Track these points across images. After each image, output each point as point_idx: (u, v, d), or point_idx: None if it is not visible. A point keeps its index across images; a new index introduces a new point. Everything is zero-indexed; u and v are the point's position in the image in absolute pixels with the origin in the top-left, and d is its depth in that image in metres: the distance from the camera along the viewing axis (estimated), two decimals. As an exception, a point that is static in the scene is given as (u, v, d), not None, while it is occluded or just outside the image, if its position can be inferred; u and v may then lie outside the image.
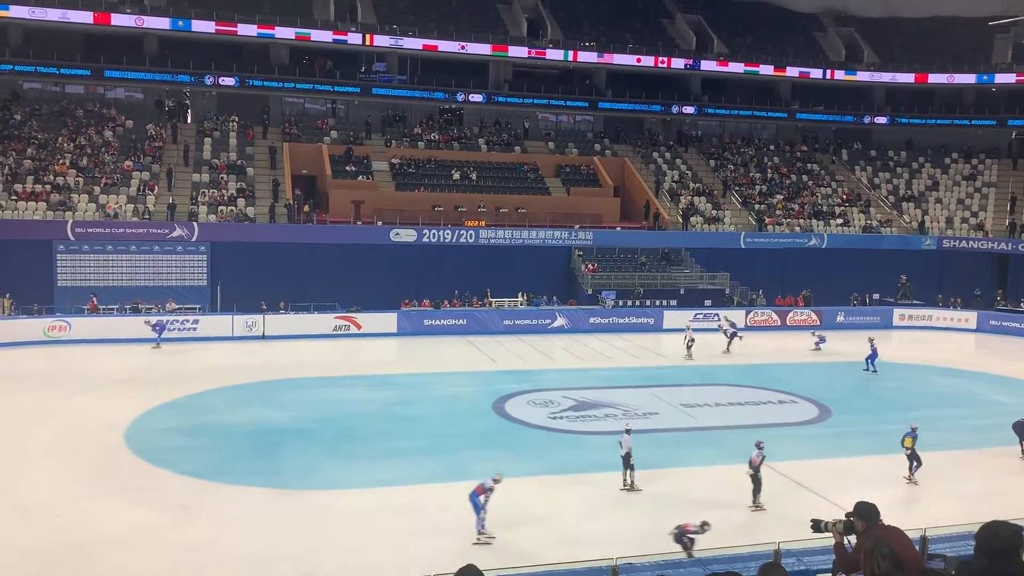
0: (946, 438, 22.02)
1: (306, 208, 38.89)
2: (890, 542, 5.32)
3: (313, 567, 13.73)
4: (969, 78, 53.38)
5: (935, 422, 23.72)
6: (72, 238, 34.50)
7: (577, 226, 41.85)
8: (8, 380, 27.01)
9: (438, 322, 36.12)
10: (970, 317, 40.50)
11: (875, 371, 30.11)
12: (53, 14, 41.83)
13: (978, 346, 37.90)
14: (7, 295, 32.74)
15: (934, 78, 53.86)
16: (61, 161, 38.77)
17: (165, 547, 14.28)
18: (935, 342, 37.60)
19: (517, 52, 49.52)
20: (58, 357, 29.75)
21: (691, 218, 44.34)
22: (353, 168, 42.91)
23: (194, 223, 36.31)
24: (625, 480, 17.76)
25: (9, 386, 25.71)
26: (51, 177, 37.61)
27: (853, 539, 6.24)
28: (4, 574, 13.19)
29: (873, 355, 30.33)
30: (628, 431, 18.28)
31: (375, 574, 13.75)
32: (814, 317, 39.93)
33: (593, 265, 40.11)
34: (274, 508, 16.22)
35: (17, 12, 41.38)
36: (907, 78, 54.29)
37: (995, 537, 4.60)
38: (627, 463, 17.70)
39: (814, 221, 46.19)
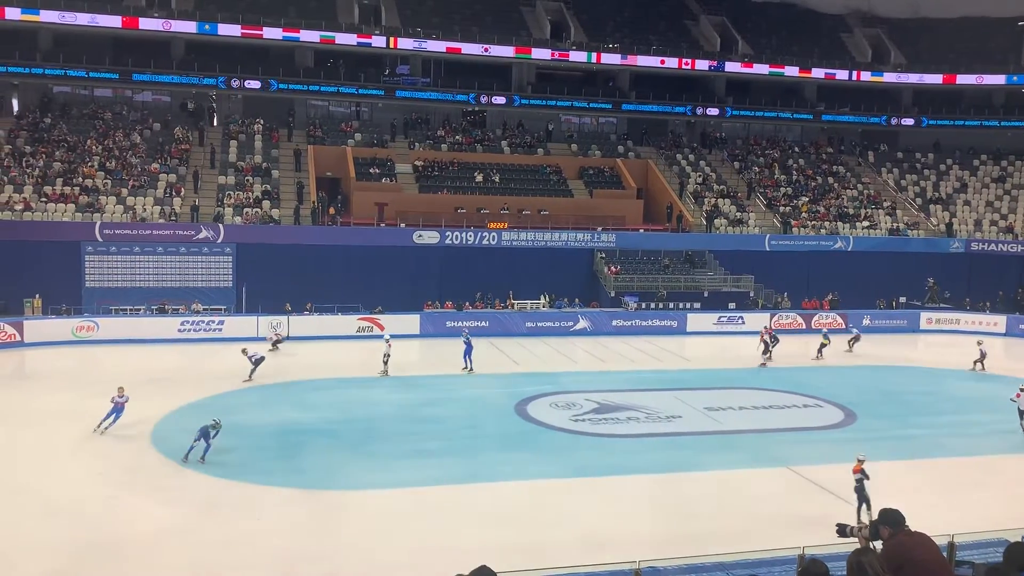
0: (974, 443, 21.74)
1: (331, 210, 39.13)
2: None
3: (337, 567, 13.80)
4: (998, 79, 52.74)
5: (963, 427, 23.47)
6: (100, 239, 34.94)
7: (600, 228, 41.77)
8: (37, 380, 27.44)
9: (460, 324, 36.18)
10: (999, 321, 39.97)
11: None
12: (82, 18, 42.48)
13: (1007, 350, 37.34)
14: (36, 295, 33.29)
15: (962, 79, 53.26)
16: (89, 163, 39.29)
17: (191, 546, 14.41)
18: (963, 346, 37.06)
19: (540, 54, 49.57)
20: (86, 357, 30.13)
21: (715, 220, 44.12)
22: (377, 170, 43.12)
23: (220, 225, 36.65)
24: None
25: (38, 385, 26.11)
26: (80, 179, 38.13)
27: (879, 544, 6.19)
28: (33, 571, 13.38)
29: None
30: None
31: (398, 574, 13.79)
32: (840, 320, 39.60)
33: (616, 267, 40.02)
34: (299, 508, 16.32)
35: (47, 17, 42.08)
36: (935, 79, 53.70)
37: None
38: None
39: (840, 223, 45.80)
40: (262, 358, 26.91)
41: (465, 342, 29.88)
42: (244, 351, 26.81)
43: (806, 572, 5.30)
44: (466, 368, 29.30)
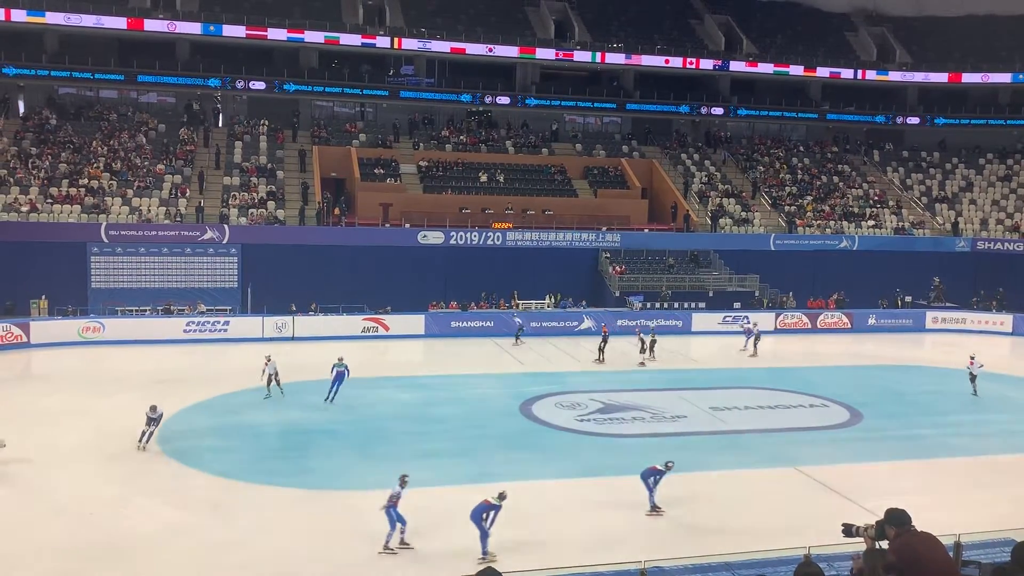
0: (980, 443, 21.71)
1: (336, 211, 39.17)
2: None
3: (342, 568, 13.82)
4: (1004, 77, 52.58)
5: (969, 427, 23.44)
6: (106, 240, 35.01)
7: (604, 228, 41.73)
8: (43, 380, 27.53)
9: (465, 324, 36.21)
10: (1006, 320, 39.82)
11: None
12: (88, 20, 42.63)
13: (1014, 350, 37.26)
14: (43, 296, 33.39)
15: (968, 78, 53.13)
16: (95, 165, 39.39)
17: (197, 546, 14.44)
18: (969, 345, 36.98)
19: (544, 54, 49.61)
20: (92, 358, 30.20)
21: (720, 220, 44.07)
22: (381, 171, 43.16)
23: (225, 225, 36.72)
24: None
25: (44, 386, 26.17)
26: (85, 180, 38.23)
27: (885, 544, 6.18)
28: (39, 572, 13.42)
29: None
30: None
31: (405, 575, 13.81)
32: (845, 320, 39.51)
33: (621, 267, 39.99)
34: (304, 508, 16.34)
35: (53, 19, 42.28)
36: (940, 78, 53.61)
37: None
38: None
39: (845, 223, 45.70)
40: (160, 415, 20.06)
41: (337, 370, 24.45)
42: (153, 408, 19.82)
43: (799, 573, 5.32)
44: (328, 398, 24.21)
